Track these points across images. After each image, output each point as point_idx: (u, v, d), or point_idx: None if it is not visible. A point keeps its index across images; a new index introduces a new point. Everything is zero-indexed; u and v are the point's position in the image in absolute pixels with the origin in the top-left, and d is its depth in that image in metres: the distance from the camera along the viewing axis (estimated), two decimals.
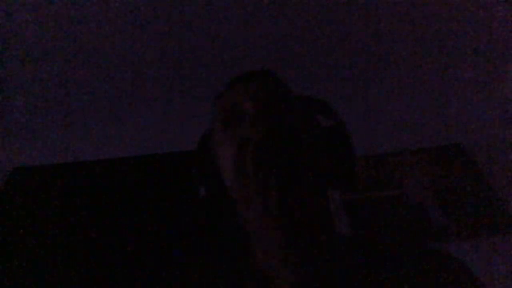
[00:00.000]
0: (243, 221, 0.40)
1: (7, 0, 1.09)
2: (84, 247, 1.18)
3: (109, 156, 1.47)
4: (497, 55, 1.48)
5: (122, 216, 1.26)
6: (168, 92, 1.52)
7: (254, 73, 0.45)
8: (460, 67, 1.52)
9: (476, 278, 0.39)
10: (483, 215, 1.16)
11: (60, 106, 1.51)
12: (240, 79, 0.45)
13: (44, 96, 1.46)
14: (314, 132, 0.42)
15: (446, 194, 1.23)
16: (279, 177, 0.34)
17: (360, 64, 1.48)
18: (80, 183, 1.36)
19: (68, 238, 1.20)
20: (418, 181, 1.28)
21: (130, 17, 1.20)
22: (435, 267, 0.38)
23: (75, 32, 1.22)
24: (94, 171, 1.41)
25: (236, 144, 0.38)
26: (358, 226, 1.18)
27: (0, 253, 1.17)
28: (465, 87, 1.59)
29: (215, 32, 1.28)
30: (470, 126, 1.46)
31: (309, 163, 0.37)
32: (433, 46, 1.43)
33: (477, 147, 1.37)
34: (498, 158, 1.33)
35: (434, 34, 1.38)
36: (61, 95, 1.46)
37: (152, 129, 1.60)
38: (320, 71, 1.50)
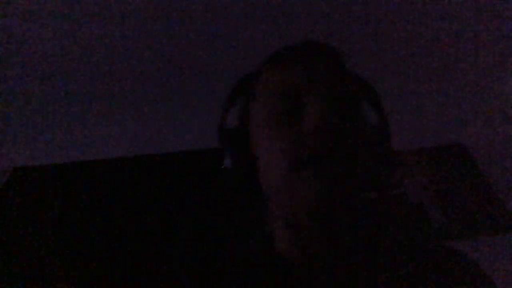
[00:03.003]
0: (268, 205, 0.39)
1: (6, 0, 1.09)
2: (84, 247, 1.18)
3: (109, 156, 1.48)
4: (497, 55, 1.48)
5: (122, 216, 1.26)
6: (168, 92, 1.52)
7: (317, 49, 0.41)
8: (460, 67, 1.52)
9: (486, 276, 0.38)
10: (483, 215, 1.16)
11: (60, 106, 1.51)
12: (299, 54, 0.40)
13: (44, 96, 1.46)
14: (361, 128, 0.39)
15: (446, 194, 1.23)
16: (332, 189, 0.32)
17: (360, 64, 1.48)
18: (80, 183, 1.36)
19: (68, 238, 1.20)
20: (418, 181, 1.28)
21: (130, 17, 1.20)
22: (442, 265, 0.38)
23: (75, 31, 1.22)
24: (94, 171, 1.41)
25: (290, 141, 0.34)
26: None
27: (0, 253, 1.17)
28: (466, 86, 1.59)
29: (216, 31, 1.28)
30: (470, 126, 1.46)
31: (355, 164, 0.35)
32: (433, 46, 1.43)
33: (477, 147, 1.37)
34: (498, 158, 1.33)
35: (434, 34, 1.38)
36: (61, 95, 1.46)
37: (152, 129, 1.60)
38: None
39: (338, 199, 0.32)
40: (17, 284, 1.11)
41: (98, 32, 1.23)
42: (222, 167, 0.40)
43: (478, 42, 1.42)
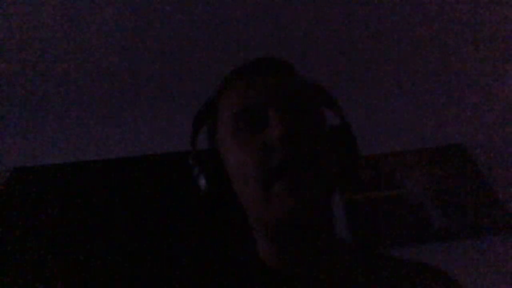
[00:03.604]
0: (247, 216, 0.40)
1: (6, 0, 1.09)
2: (84, 247, 1.18)
3: (109, 156, 1.48)
4: (497, 55, 1.48)
5: (122, 216, 1.26)
6: (168, 92, 1.52)
7: (272, 64, 0.42)
8: (461, 67, 1.52)
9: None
10: (483, 215, 1.16)
11: (60, 106, 1.51)
12: (252, 70, 0.41)
13: (44, 96, 1.46)
14: (325, 131, 0.40)
15: (446, 194, 1.23)
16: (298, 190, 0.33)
17: (360, 64, 1.48)
18: (80, 183, 1.36)
19: (68, 238, 1.20)
20: (419, 181, 1.28)
21: (130, 17, 1.20)
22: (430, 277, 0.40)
23: (75, 32, 1.22)
24: (94, 171, 1.41)
25: (255, 150, 0.35)
26: (358, 226, 1.18)
27: (0, 253, 1.17)
28: (466, 87, 1.59)
29: (215, 31, 1.28)
30: (470, 126, 1.46)
31: (323, 167, 0.35)
32: (433, 46, 1.43)
33: (478, 147, 1.37)
34: (498, 158, 1.33)
35: (434, 34, 1.38)
36: (61, 95, 1.46)
37: (152, 129, 1.60)
38: (320, 71, 1.50)
39: (310, 206, 0.33)
40: (17, 284, 1.11)
41: (98, 32, 1.23)
42: (200, 190, 0.41)
43: (478, 42, 1.42)
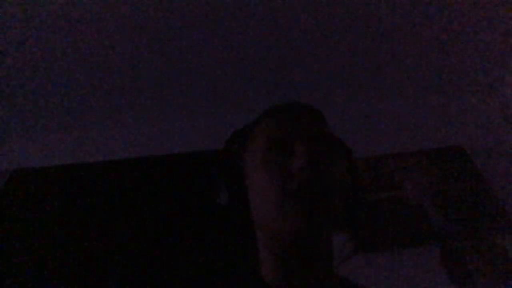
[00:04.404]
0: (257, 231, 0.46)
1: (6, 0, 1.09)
2: (84, 249, 1.18)
3: (109, 157, 1.48)
4: (497, 55, 1.48)
5: (122, 218, 1.26)
6: (169, 93, 1.52)
7: (304, 108, 0.48)
8: (461, 68, 1.52)
9: None
10: (482, 216, 1.17)
11: (60, 107, 1.51)
12: (289, 109, 0.48)
13: (44, 96, 1.46)
14: (340, 178, 0.45)
15: (446, 195, 1.24)
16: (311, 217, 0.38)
17: (360, 64, 1.48)
18: (80, 185, 1.36)
19: (68, 239, 1.21)
20: (419, 183, 1.28)
21: (130, 17, 1.20)
22: None
23: (75, 32, 1.22)
24: (94, 173, 1.41)
25: (279, 173, 0.40)
26: (358, 227, 1.18)
27: (0, 254, 1.17)
28: (466, 88, 1.59)
29: (216, 32, 1.28)
30: (470, 128, 1.46)
31: (333, 201, 0.40)
32: (433, 48, 1.43)
33: (478, 149, 1.37)
34: (498, 160, 1.33)
35: (434, 34, 1.38)
36: (61, 95, 1.46)
37: (153, 131, 1.60)
38: (320, 71, 1.50)
39: (316, 229, 0.38)
40: (17, 284, 1.11)
41: (98, 32, 1.23)
42: (218, 202, 0.47)
43: (478, 42, 1.42)
